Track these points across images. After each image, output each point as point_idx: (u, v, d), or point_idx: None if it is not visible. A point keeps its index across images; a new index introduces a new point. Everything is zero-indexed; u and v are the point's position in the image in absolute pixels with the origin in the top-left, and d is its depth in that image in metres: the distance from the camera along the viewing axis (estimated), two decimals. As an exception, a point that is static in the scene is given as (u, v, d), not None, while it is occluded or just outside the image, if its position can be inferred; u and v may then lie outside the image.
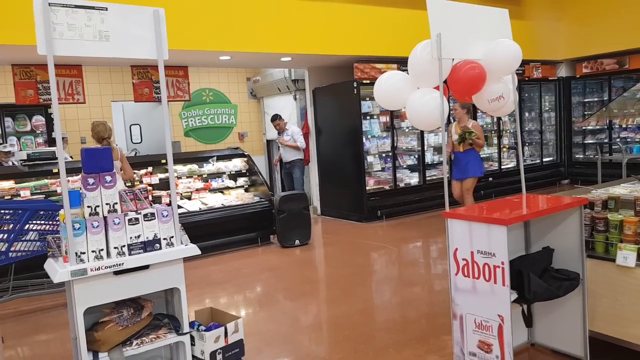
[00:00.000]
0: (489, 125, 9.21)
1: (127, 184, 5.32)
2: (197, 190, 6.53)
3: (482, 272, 2.57)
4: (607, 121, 9.36)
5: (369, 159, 7.72)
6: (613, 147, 9.29)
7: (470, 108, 6.39)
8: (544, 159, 10.03)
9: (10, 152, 6.46)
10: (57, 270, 2.19)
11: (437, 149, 8.47)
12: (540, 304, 2.91)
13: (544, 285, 2.66)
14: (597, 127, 9.72)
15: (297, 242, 6.40)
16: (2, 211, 4.18)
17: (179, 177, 6.49)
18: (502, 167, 9.24)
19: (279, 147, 8.29)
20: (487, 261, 2.54)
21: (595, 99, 10.01)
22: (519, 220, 2.82)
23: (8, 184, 5.39)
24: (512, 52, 2.96)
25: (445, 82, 2.98)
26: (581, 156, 10.11)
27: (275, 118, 8.04)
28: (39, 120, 7.76)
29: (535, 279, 2.64)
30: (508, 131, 9.47)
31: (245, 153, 7.15)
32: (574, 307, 2.89)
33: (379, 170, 7.92)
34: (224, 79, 9.90)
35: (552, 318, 3.02)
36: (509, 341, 2.50)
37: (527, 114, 9.92)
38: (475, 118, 8.79)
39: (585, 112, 10.11)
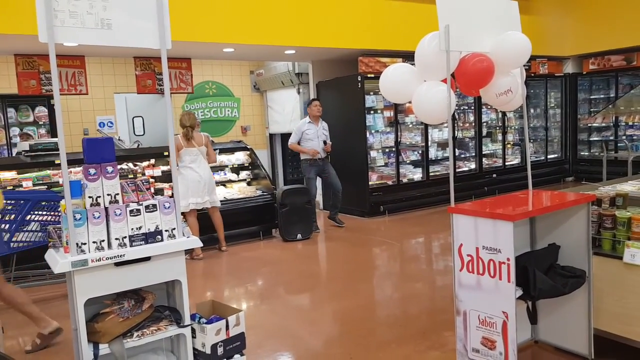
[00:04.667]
0: (494, 122, 9.15)
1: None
2: (200, 183, 6.47)
3: (487, 268, 2.54)
4: (613, 118, 9.27)
5: (372, 153, 7.68)
6: (619, 144, 9.22)
7: None
8: (549, 156, 9.98)
9: None
10: (58, 260, 2.17)
11: (441, 145, 8.42)
12: (545, 301, 2.87)
13: (549, 282, 2.63)
14: (603, 124, 9.63)
15: (299, 236, 6.37)
16: (5, 202, 4.16)
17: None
18: (506, 163, 9.19)
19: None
20: (493, 257, 2.51)
21: (602, 96, 9.92)
22: (526, 216, 2.79)
23: (10, 175, 5.37)
24: (522, 45, 2.91)
25: (452, 75, 2.93)
26: (586, 153, 10.04)
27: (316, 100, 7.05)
28: (41, 111, 7.73)
29: (541, 276, 2.61)
30: (513, 127, 9.40)
31: (248, 146, 7.11)
32: (579, 304, 2.86)
33: (382, 166, 7.86)
34: (227, 72, 9.85)
35: (557, 315, 2.99)
36: (513, 338, 2.47)
37: (532, 111, 9.84)
38: (480, 114, 8.76)
39: (592, 109, 10.03)
